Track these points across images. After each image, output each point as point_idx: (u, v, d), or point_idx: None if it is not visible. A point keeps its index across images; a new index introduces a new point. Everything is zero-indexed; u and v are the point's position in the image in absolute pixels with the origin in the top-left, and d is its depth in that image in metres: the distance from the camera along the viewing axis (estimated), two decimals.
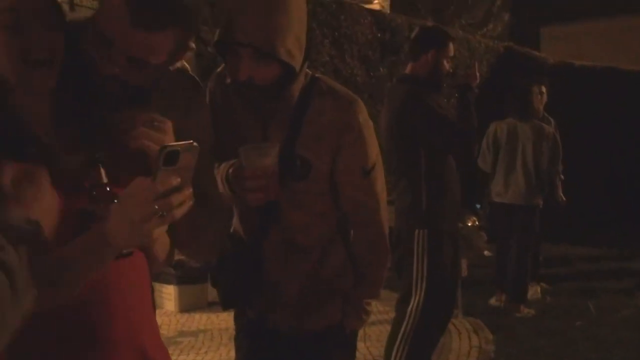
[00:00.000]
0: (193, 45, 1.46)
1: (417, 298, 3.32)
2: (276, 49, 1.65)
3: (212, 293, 5.30)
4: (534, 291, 5.80)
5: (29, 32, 1.22)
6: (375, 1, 8.79)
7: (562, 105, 6.10)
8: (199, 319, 5.10)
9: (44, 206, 1.18)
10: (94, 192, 1.22)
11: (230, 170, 1.76)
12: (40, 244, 1.12)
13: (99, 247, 1.15)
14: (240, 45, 1.65)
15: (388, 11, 9.02)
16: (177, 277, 5.17)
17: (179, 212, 1.12)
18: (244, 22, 1.63)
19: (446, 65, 3.38)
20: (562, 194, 5.94)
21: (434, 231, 3.30)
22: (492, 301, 5.61)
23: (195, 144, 1.13)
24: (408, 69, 3.47)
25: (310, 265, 1.93)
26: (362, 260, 1.99)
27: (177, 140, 1.39)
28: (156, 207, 1.09)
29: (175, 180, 1.10)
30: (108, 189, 1.21)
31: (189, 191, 1.13)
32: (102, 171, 1.22)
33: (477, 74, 3.57)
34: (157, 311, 1.49)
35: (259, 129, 1.84)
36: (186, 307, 5.27)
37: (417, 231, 3.29)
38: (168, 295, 5.29)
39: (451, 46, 3.42)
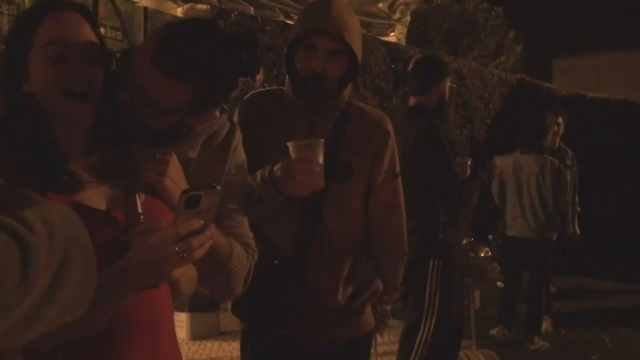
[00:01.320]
0: (217, 114, 1.46)
1: (427, 328, 3.30)
2: (353, 44, 1.91)
3: (224, 321, 5.30)
4: (548, 324, 5.75)
5: (72, 65, 1.25)
6: (392, 34, 8.85)
7: (574, 137, 6.09)
8: (211, 347, 5.08)
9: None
10: (128, 222, 1.23)
11: (277, 167, 1.83)
12: None
13: (117, 286, 1.16)
14: (325, 36, 1.88)
15: (404, 43, 9.08)
16: (189, 304, 5.16)
17: (198, 254, 1.14)
18: (330, 20, 1.89)
19: (446, 95, 3.43)
20: (577, 227, 5.91)
21: (448, 260, 3.30)
22: (494, 332, 5.58)
23: (218, 187, 1.14)
24: (413, 101, 3.45)
25: (348, 271, 2.05)
26: (384, 268, 2.13)
27: (199, 176, 1.45)
28: (176, 248, 1.11)
29: (198, 223, 1.12)
30: (142, 218, 1.23)
31: (210, 232, 1.15)
32: (137, 201, 1.24)
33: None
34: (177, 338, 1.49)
35: (303, 133, 1.96)
36: (198, 335, 5.24)
37: (432, 261, 3.29)
38: (180, 322, 5.27)
39: (449, 76, 3.46)
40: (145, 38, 1.42)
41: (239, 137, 1.60)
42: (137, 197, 1.24)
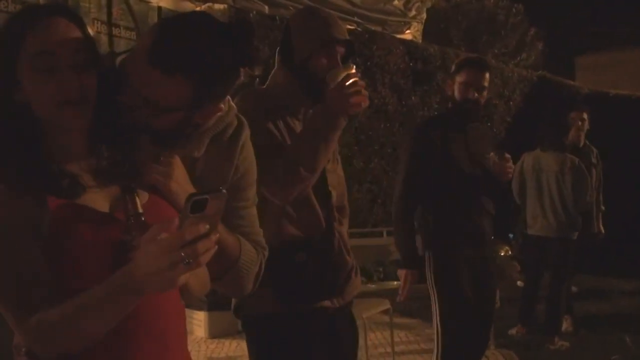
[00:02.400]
0: (222, 106, 1.44)
1: (438, 331, 3.26)
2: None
3: None
4: (568, 324, 5.69)
5: (62, 75, 1.22)
6: (408, 31, 8.80)
7: (596, 134, 6.01)
8: (229, 346, 5.10)
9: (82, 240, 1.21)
10: (130, 222, 1.23)
11: (327, 99, 2.03)
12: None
13: (122, 294, 1.14)
14: (340, 43, 2.15)
15: (420, 41, 9.02)
16: (208, 303, 5.18)
17: (204, 259, 1.11)
18: (340, 28, 2.17)
19: (458, 92, 3.25)
20: (601, 226, 5.84)
21: (440, 255, 3.23)
22: (513, 332, 5.53)
23: (224, 191, 1.12)
24: None
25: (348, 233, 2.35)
26: None
27: (207, 174, 1.46)
28: (182, 254, 1.07)
29: (204, 228, 1.09)
30: (143, 218, 1.22)
31: (215, 237, 1.12)
32: (137, 201, 1.23)
33: None
34: (187, 337, 1.48)
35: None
36: (216, 333, 5.26)
37: (426, 253, 3.27)
38: (198, 321, 5.30)
39: (465, 72, 3.26)
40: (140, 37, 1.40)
41: (246, 134, 1.59)
42: (137, 197, 1.23)
